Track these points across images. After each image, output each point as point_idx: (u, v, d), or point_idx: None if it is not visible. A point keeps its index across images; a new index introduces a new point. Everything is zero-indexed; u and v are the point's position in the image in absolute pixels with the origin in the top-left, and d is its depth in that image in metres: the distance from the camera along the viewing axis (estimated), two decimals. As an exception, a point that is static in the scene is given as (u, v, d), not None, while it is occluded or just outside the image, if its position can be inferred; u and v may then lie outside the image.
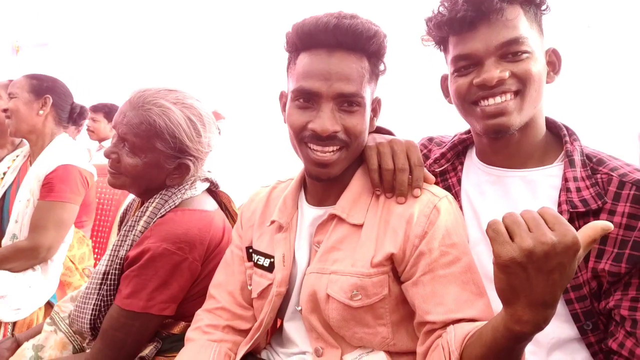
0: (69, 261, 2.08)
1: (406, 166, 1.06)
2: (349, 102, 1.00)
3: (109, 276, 1.30)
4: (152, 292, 1.23)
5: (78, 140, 3.91)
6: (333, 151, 1.02)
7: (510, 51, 1.00)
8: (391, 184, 1.06)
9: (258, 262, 1.19)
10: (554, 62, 1.09)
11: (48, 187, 1.91)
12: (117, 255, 1.31)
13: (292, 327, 1.16)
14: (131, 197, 1.65)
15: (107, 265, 1.31)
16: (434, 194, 1.04)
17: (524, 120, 1.04)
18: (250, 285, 1.22)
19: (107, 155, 1.33)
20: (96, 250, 2.33)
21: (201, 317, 1.22)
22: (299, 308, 1.10)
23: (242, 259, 1.26)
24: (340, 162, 1.04)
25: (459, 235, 1.01)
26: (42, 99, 2.00)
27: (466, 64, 1.05)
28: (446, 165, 1.22)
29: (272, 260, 1.16)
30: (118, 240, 1.34)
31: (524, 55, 1.00)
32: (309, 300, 1.07)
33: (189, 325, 1.32)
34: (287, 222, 1.14)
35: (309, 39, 1.01)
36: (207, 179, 1.45)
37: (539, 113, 1.08)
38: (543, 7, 1.06)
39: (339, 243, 1.06)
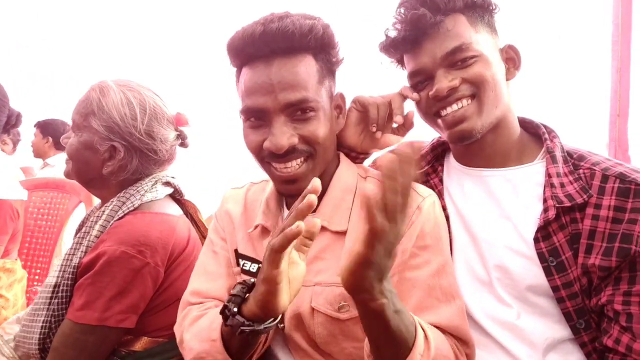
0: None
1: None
2: (300, 109, 0.96)
3: (61, 288, 1.21)
4: (108, 302, 1.15)
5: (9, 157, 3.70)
6: (298, 165, 0.99)
7: (457, 59, 1.05)
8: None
9: (244, 267, 1.13)
10: (512, 58, 1.13)
11: None
12: (69, 264, 1.23)
13: (278, 346, 1.09)
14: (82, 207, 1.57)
15: (57, 277, 1.23)
16: (418, 193, 1.03)
17: (488, 122, 1.07)
18: None
19: (62, 142, 1.33)
20: (38, 271, 2.19)
21: (197, 306, 1.11)
22: (282, 325, 1.04)
23: (230, 262, 1.17)
24: (309, 174, 0.99)
25: (435, 237, 1.00)
26: None
27: (420, 79, 1.10)
28: (426, 167, 1.24)
29: (259, 265, 1.10)
30: (71, 248, 1.26)
31: (472, 60, 1.04)
32: (291, 317, 1.02)
33: (152, 341, 1.24)
34: (274, 225, 1.10)
35: (242, 53, 0.99)
36: (169, 183, 1.39)
37: (508, 112, 1.11)
38: (491, 7, 1.11)
39: (321, 252, 1.02)
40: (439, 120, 1.10)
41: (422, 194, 1.03)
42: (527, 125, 1.16)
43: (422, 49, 1.07)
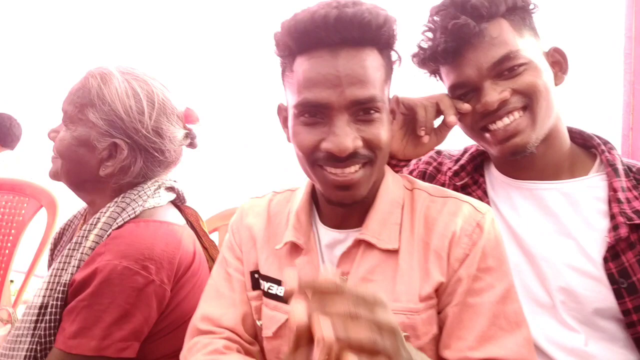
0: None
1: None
2: (365, 109, 0.86)
3: (48, 310, 1.03)
4: (108, 328, 0.98)
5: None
6: (356, 170, 0.88)
7: (505, 68, 0.99)
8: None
9: (269, 291, 1.00)
10: (559, 62, 1.07)
11: None
12: (58, 282, 1.05)
13: None
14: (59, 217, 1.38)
15: (44, 296, 1.04)
16: (476, 209, 0.93)
17: (542, 134, 1.01)
18: (259, 319, 1.02)
19: (48, 136, 1.15)
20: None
21: (208, 342, 0.98)
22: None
23: (244, 285, 1.06)
24: (366, 181, 0.89)
25: (497, 258, 0.90)
26: None
27: (464, 92, 1.04)
28: (466, 179, 1.16)
29: None
30: (59, 263, 1.07)
31: (521, 69, 0.98)
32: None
33: (153, 372, 1.09)
34: (307, 242, 0.98)
35: (306, 39, 0.86)
36: (172, 188, 1.24)
37: (559, 121, 1.05)
38: (530, 8, 1.05)
39: (370, 274, 0.91)
40: (487, 135, 1.04)
41: (480, 209, 0.93)
42: (575, 135, 1.10)
43: (465, 59, 1.01)
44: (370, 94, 0.84)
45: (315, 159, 0.89)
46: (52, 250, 1.29)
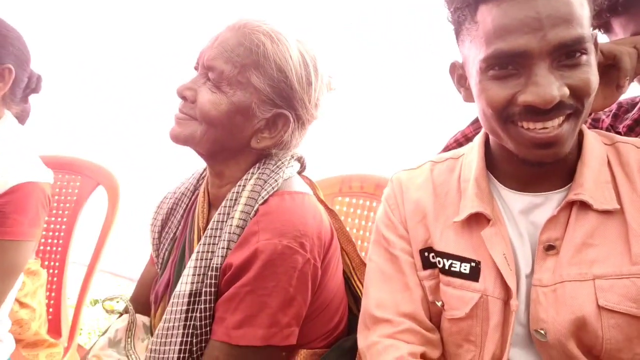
0: (20, 307, 1.51)
1: None
2: (571, 52, 0.76)
3: (200, 298, 0.94)
4: (274, 314, 0.90)
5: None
6: (560, 123, 0.78)
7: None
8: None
9: (452, 269, 0.92)
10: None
11: None
12: (207, 266, 0.95)
13: None
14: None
15: (194, 282, 0.94)
16: None
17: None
18: (439, 301, 0.95)
19: (181, 92, 0.99)
20: (51, 271, 1.81)
21: (390, 344, 0.91)
22: (542, 332, 0.84)
23: (414, 267, 0.97)
24: (571, 136, 0.80)
25: None
26: None
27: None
28: None
29: (473, 264, 0.90)
30: (204, 245, 0.97)
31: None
32: (570, 323, 0.82)
33: (311, 354, 1.01)
34: (492, 212, 0.90)
35: None
36: (300, 157, 1.13)
37: None
38: None
39: (589, 238, 0.83)
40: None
41: None
42: None
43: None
44: (578, 34, 0.75)
45: (508, 115, 0.80)
46: (160, 233, 1.18)
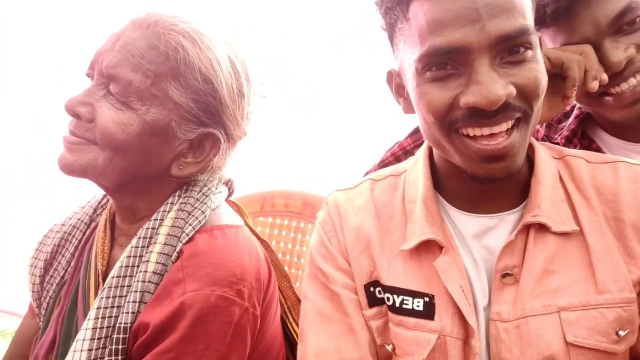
0: None
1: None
2: (513, 47, 0.68)
3: (101, 370, 0.70)
4: None
5: None
6: (507, 130, 0.70)
7: (625, 22, 0.89)
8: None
9: (404, 306, 0.79)
10: None
11: None
12: (113, 326, 0.73)
13: None
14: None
15: (92, 349, 0.71)
16: None
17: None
18: (389, 344, 0.81)
19: (71, 108, 0.76)
20: None
21: None
22: None
23: (359, 305, 0.84)
24: (522, 145, 0.72)
25: None
26: None
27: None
28: (579, 146, 1.04)
29: (426, 299, 0.78)
30: (106, 298, 0.74)
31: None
32: (532, 359, 0.72)
33: None
34: (444, 237, 0.79)
35: None
36: (228, 181, 0.95)
37: None
38: None
39: (550, 264, 0.75)
40: (608, 99, 0.93)
41: None
42: None
43: (578, 17, 0.90)
44: (521, 24, 0.67)
45: (451, 122, 0.71)
46: (42, 277, 0.92)
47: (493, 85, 0.65)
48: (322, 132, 1.97)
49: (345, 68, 2.02)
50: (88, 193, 1.00)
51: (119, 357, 0.71)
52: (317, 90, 2.08)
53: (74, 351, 0.71)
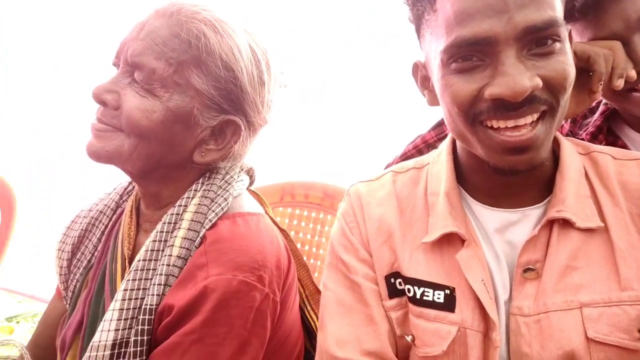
0: None
1: None
2: (541, 39, 0.67)
3: (128, 350, 0.73)
4: None
5: None
6: (532, 122, 0.69)
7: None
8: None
9: (424, 298, 0.80)
10: None
11: None
12: (139, 308, 0.75)
13: None
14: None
15: (118, 329, 0.73)
16: None
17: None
18: (409, 335, 0.81)
19: (99, 95, 0.78)
20: None
21: None
22: None
23: (379, 295, 0.84)
24: (547, 138, 0.71)
25: None
26: None
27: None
28: (604, 143, 1.04)
29: (447, 292, 0.79)
30: (132, 280, 0.77)
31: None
32: (554, 356, 0.73)
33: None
34: (466, 232, 0.79)
35: None
36: (250, 170, 0.96)
37: None
38: None
39: (573, 260, 0.75)
40: (636, 95, 0.92)
41: None
42: None
43: (607, 13, 0.89)
44: (549, 16, 0.66)
45: (475, 114, 0.70)
46: (70, 261, 0.95)
47: (520, 76, 0.65)
48: (330, 125, 1.98)
49: (353, 61, 2.02)
50: (92, 191, 1.03)
51: (145, 338, 0.73)
52: (326, 83, 2.09)
53: (102, 331, 0.74)
